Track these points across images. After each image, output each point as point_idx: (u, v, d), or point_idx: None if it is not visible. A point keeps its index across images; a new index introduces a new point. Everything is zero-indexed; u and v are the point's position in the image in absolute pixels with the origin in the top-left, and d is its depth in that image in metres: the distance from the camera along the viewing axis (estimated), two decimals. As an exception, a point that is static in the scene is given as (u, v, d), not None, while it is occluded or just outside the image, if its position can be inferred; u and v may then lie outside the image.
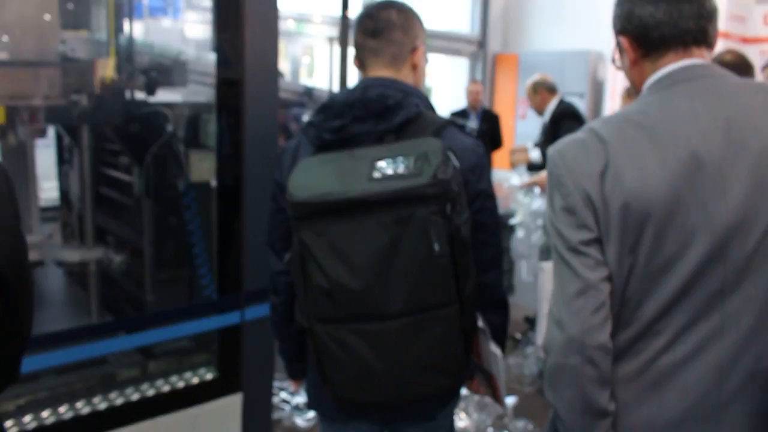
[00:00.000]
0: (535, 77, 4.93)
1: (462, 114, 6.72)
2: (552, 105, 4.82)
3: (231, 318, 2.86)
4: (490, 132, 6.55)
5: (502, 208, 4.37)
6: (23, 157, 2.87)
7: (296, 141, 1.73)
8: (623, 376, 1.32)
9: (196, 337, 3.05)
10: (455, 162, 1.50)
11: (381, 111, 1.59)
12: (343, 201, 1.44)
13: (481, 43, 9.50)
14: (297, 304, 1.60)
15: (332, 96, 1.69)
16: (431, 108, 1.70)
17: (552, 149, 1.36)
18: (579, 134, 1.35)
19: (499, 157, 7.17)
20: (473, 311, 1.59)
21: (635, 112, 1.32)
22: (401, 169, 1.45)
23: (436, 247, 1.43)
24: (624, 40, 1.39)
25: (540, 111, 4.91)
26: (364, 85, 1.66)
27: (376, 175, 1.46)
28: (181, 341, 3.07)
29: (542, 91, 4.85)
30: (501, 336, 1.75)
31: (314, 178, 1.51)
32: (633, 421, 1.33)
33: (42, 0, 2.56)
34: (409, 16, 1.72)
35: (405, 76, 1.72)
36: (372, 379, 1.53)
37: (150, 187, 3.13)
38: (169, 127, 3.06)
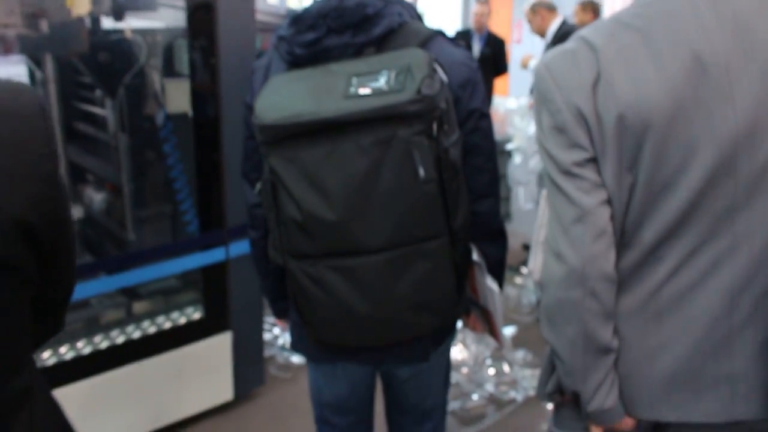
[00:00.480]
0: None
1: (465, 35, 6.44)
2: (554, 26, 4.60)
3: (215, 255, 2.76)
4: (493, 57, 6.27)
5: (498, 135, 4.21)
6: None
7: (267, 58, 1.56)
8: (625, 309, 1.22)
9: (182, 276, 2.96)
10: (443, 76, 1.33)
11: (359, 21, 1.41)
12: (315, 122, 1.28)
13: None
14: (270, 238, 1.46)
15: (306, 6, 1.49)
16: (418, 18, 1.52)
17: (538, 63, 1.22)
18: (568, 44, 1.20)
19: (501, 85, 6.92)
20: (466, 243, 1.45)
21: (629, 14, 1.17)
22: (381, 85, 1.29)
23: (422, 171, 1.28)
24: None
25: (541, 33, 4.69)
26: None
27: (353, 92, 1.30)
28: (167, 281, 2.98)
29: (541, 11, 4.63)
30: (498, 270, 1.62)
31: (284, 97, 1.35)
32: (636, 359, 1.23)
33: None
34: None
35: None
36: (355, 321, 1.40)
37: (125, 120, 2.96)
38: (142, 56, 2.89)
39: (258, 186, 1.43)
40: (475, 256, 1.51)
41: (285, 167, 1.33)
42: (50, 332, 1.09)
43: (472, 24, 6.51)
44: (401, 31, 1.44)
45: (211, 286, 2.80)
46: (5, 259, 0.84)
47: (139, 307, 2.88)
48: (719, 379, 1.20)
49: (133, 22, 2.93)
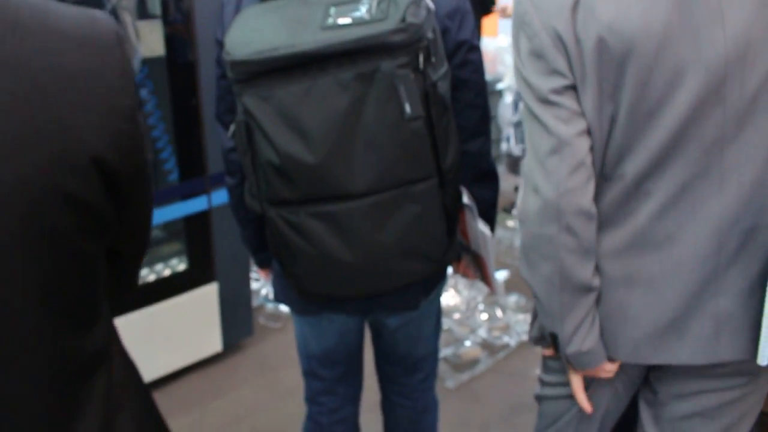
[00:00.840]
0: None
1: None
2: None
3: (197, 204, 2.67)
4: None
5: (489, 74, 4.08)
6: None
7: None
8: (608, 248, 1.16)
9: (165, 226, 2.86)
10: (429, 3, 1.23)
11: None
12: (290, 56, 1.18)
13: None
14: (246, 184, 1.36)
15: None
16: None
17: None
18: None
19: (490, 25, 6.71)
20: (456, 185, 1.36)
21: None
22: (362, 14, 1.18)
23: (408, 108, 1.18)
24: None
25: None
26: None
27: (331, 22, 1.19)
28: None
29: None
30: (490, 213, 1.54)
31: (256, 31, 1.24)
32: (619, 300, 1.17)
33: None
34: None
35: None
36: (340, 271, 1.32)
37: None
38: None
39: (232, 128, 1.33)
40: (466, 199, 1.42)
41: (259, 107, 1.23)
42: (123, 291, 1.02)
43: None
44: None
45: (195, 237, 2.71)
46: (85, 201, 0.76)
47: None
48: (704, 319, 1.14)
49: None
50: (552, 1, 1.06)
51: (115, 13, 2.73)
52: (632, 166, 1.10)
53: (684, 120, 1.05)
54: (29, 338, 0.77)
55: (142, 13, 2.67)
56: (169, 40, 2.49)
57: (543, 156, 1.10)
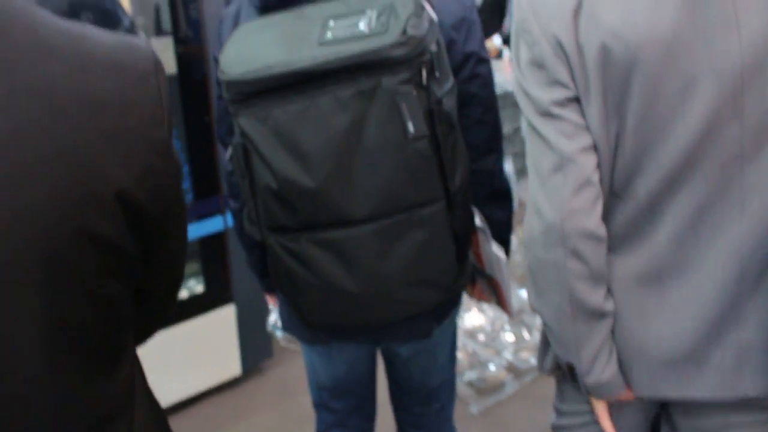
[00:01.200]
0: None
1: None
2: None
3: (213, 224, 2.62)
4: (498, 1, 5.98)
5: (510, 84, 3.96)
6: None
7: (236, 5, 1.38)
8: (621, 274, 1.07)
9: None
10: (432, 14, 1.15)
11: None
12: (286, 75, 1.12)
13: None
14: (245, 210, 1.29)
15: None
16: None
17: None
18: None
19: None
20: (466, 207, 1.27)
21: None
22: (361, 28, 1.11)
23: (411, 127, 1.10)
24: None
25: None
26: None
27: (330, 37, 1.12)
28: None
29: None
30: (504, 234, 1.45)
31: (251, 48, 1.18)
32: (634, 330, 1.08)
33: None
34: None
35: None
36: (345, 301, 1.23)
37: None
38: (122, 15, 2.73)
39: (229, 151, 1.26)
40: (478, 221, 1.34)
41: (256, 128, 1.16)
42: (156, 326, 0.97)
43: None
44: None
45: (211, 258, 2.66)
46: (107, 239, 0.71)
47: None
48: (725, 350, 1.05)
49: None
50: (552, 6, 0.98)
51: (132, 30, 2.72)
52: (644, 185, 1.01)
53: (697, 135, 0.96)
54: (41, 385, 0.71)
55: (159, 30, 2.65)
56: (181, 58, 2.46)
57: (545, 174, 1.02)
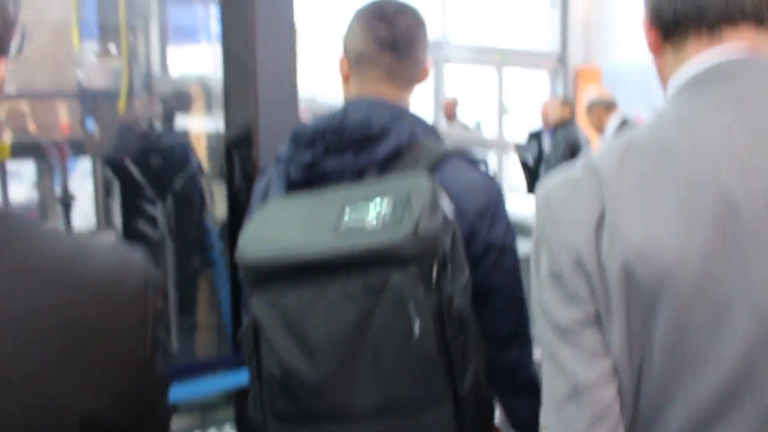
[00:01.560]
0: (591, 94, 4.51)
1: (537, 135, 6.19)
2: (613, 124, 4.38)
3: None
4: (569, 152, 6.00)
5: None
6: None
7: (266, 180, 1.40)
8: None
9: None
10: (447, 209, 1.11)
11: (361, 140, 1.23)
12: (298, 263, 1.09)
13: (561, 56, 8.98)
14: (250, 394, 1.25)
15: (314, 122, 1.32)
16: (433, 133, 1.33)
17: (538, 191, 0.98)
18: (574, 169, 0.96)
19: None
20: (477, 411, 1.17)
21: (645, 136, 0.93)
22: (374, 219, 1.08)
23: (417, 328, 1.04)
24: (645, 17, 1.02)
25: (599, 130, 4.48)
26: (350, 106, 1.30)
27: (344, 225, 1.10)
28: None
29: (598, 110, 4.50)
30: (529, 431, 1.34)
31: (270, 229, 1.17)
32: None
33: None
34: (424, 26, 1.39)
35: (406, 98, 1.38)
36: None
37: (171, 223, 2.89)
38: (192, 158, 2.86)
39: (241, 332, 1.24)
40: (498, 418, 1.24)
41: (267, 313, 1.13)
42: None
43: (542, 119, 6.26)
44: (411, 151, 1.24)
45: (244, 409, 2.59)
46: None
47: (174, 423, 2.71)
48: None
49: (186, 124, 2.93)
50: (573, 217, 0.91)
51: (200, 173, 2.84)
52: (675, 421, 0.89)
53: (735, 371, 0.85)
54: None
55: (220, 176, 2.74)
56: (231, 205, 2.50)
57: (559, 401, 0.92)
